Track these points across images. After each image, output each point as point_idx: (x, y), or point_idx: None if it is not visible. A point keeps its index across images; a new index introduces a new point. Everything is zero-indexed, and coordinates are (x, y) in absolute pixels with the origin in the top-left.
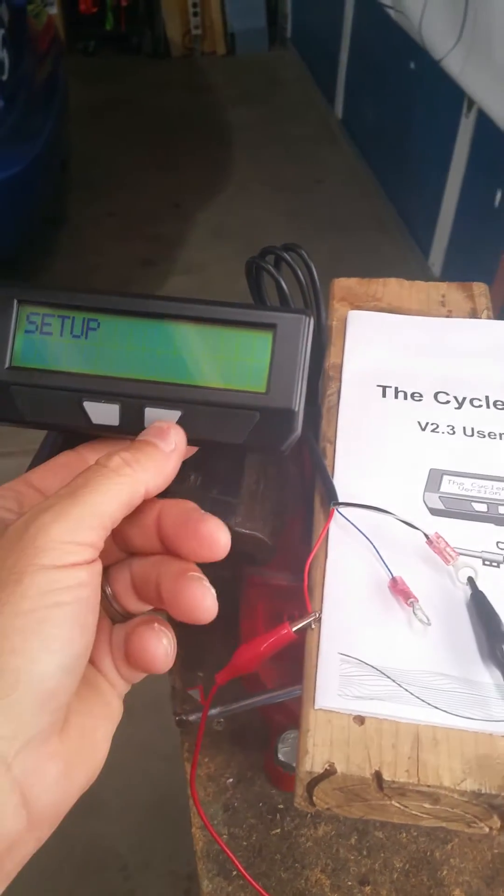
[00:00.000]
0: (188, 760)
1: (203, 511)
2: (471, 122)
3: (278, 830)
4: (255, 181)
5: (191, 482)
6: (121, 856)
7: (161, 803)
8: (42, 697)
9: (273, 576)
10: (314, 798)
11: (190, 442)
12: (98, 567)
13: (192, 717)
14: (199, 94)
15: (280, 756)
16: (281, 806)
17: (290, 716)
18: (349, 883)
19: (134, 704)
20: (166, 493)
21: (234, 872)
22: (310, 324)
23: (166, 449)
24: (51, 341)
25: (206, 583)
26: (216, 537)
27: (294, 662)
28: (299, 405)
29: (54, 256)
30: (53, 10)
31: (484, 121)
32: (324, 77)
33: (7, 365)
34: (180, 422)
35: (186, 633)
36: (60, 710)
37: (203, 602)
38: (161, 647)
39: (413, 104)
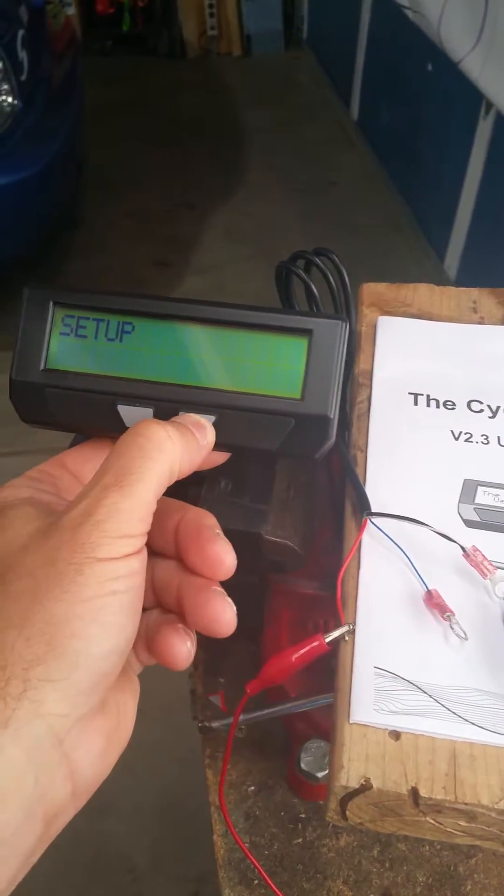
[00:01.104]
0: (209, 767)
1: (217, 531)
2: (489, 124)
3: (300, 840)
4: (270, 183)
5: (221, 488)
6: (129, 857)
7: (171, 806)
8: (96, 678)
9: (299, 584)
10: (347, 812)
11: (224, 447)
12: (145, 555)
13: (214, 724)
14: (215, 96)
15: (302, 765)
16: (303, 815)
17: (312, 724)
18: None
19: (146, 707)
20: (196, 500)
21: (256, 881)
22: (346, 330)
23: (201, 441)
24: (85, 344)
25: (227, 598)
26: (221, 559)
27: (317, 672)
28: (334, 412)
29: (69, 257)
30: (71, 11)
31: (502, 123)
32: (340, 79)
33: (42, 367)
34: (215, 426)
35: (209, 638)
36: (108, 689)
37: (223, 616)
38: (185, 649)
39: (430, 106)
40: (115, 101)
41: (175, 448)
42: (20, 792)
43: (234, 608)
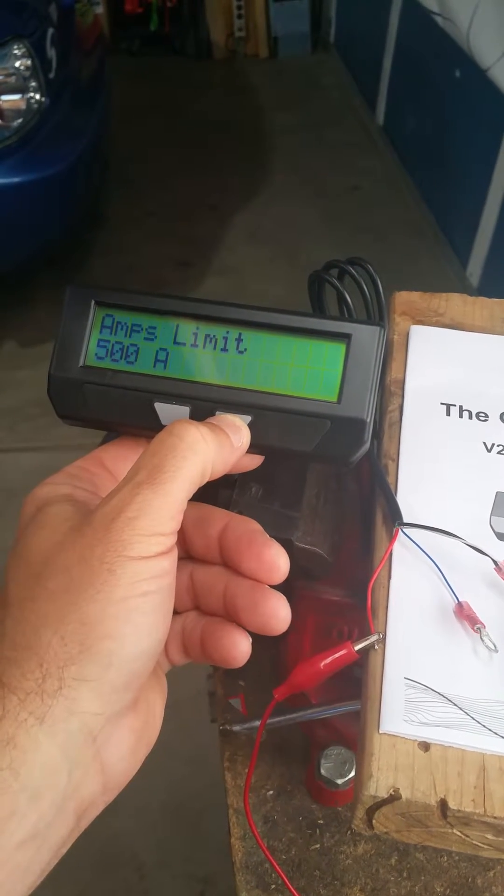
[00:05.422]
0: (228, 770)
1: (268, 535)
2: None
3: (318, 846)
4: (293, 185)
5: (252, 494)
6: (137, 855)
7: (179, 806)
8: (129, 678)
9: (324, 590)
10: (374, 822)
11: (259, 449)
12: (175, 555)
13: (236, 728)
14: (240, 97)
15: (322, 771)
16: (321, 821)
17: (332, 731)
18: None
19: None
20: (227, 504)
21: (273, 885)
22: (383, 336)
23: (236, 444)
24: (125, 343)
25: (282, 595)
26: (277, 563)
27: (338, 679)
28: (370, 416)
29: (91, 255)
30: (99, 10)
31: None
32: (366, 83)
33: (81, 364)
34: (250, 426)
35: None
36: (139, 688)
37: (280, 612)
38: (246, 646)
39: (457, 113)
40: (141, 100)
41: (208, 449)
42: (55, 786)
43: (289, 605)
